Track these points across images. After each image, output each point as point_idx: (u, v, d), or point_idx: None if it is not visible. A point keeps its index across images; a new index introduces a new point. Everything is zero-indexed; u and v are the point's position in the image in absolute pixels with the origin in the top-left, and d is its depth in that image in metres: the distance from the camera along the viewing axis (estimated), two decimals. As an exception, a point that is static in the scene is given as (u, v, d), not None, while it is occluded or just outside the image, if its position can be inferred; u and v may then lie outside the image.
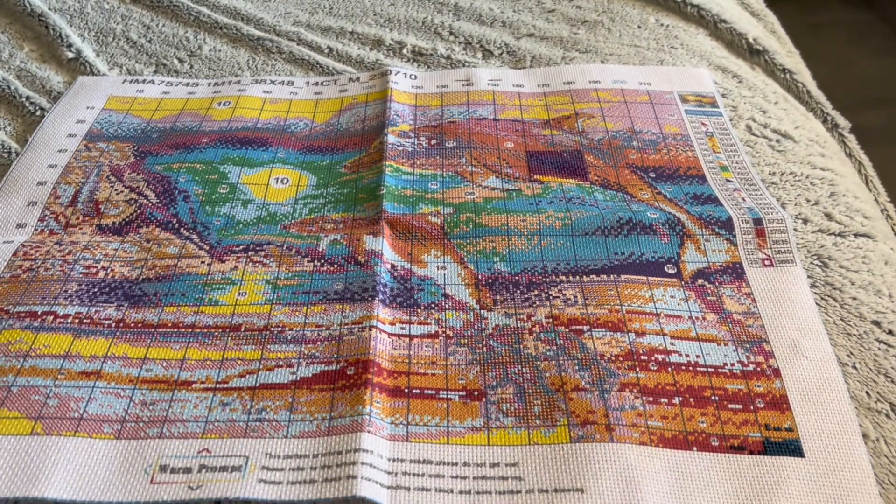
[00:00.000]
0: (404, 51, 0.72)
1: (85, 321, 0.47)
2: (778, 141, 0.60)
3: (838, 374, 0.44)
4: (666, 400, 0.42)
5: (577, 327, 0.46)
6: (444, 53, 0.70)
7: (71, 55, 0.71)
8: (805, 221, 0.53)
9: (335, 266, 0.50)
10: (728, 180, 0.56)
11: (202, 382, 0.43)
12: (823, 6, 2.09)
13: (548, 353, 0.44)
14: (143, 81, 0.69)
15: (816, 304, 0.48)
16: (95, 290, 0.49)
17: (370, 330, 0.45)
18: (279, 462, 0.40)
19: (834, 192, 0.56)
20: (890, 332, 0.47)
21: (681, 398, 0.42)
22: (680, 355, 0.45)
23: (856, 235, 0.53)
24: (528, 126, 0.62)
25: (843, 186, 0.57)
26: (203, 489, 0.39)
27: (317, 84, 0.68)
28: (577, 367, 0.44)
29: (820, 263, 0.50)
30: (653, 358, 0.44)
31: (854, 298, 0.48)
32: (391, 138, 0.60)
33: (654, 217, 0.52)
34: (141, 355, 0.45)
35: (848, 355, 0.45)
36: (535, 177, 0.57)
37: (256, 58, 0.71)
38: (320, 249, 0.51)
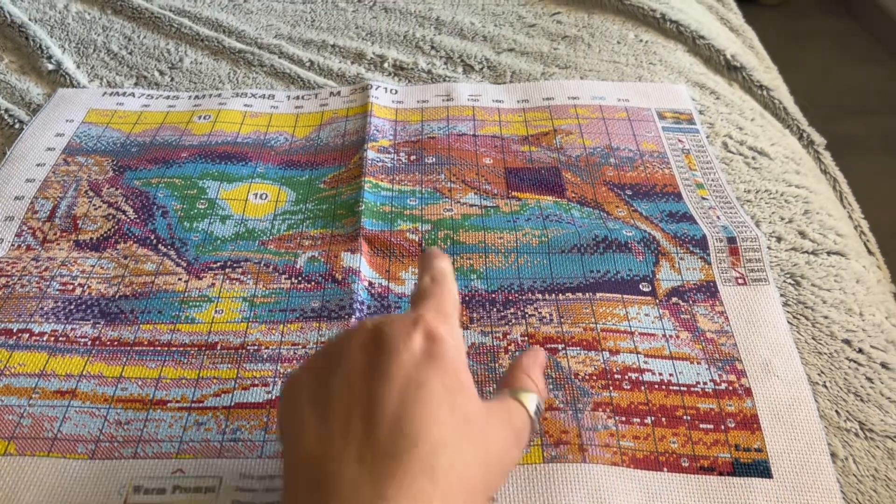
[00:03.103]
0: (385, 65, 0.72)
1: (61, 339, 0.47)
2: (754, 158, 0.61)
3: (809, 393, 0.45)
4: (638, 420, 0.43)
5: (552, 346, 0.46)
6: (425, 68, 0.71)
7: (51, 67, 0.71)
8: (779, 239, 0.54)
9: (312, 283, 0.50)
10: (703, 198, 0.57)
11: (177, 402, 0.43)
12: (805, 14, 2.11)
13: (522, 373, 0.45)
14: (124, 94, 0.68)
15: (788, 322, 0.48)
16: (72, 307, 0.49)
17: (346, 349, 0.46)
18: (253, 483, 0.40)
19: (808, 210, 0.56)
20: (860, 351, 0.47)
21: (653, 418, 0.43)
22: (653, 374, 0.45)
23: (828, 254, 0.53)
24: (507, 142, 0.62)
25: (817, 204, 0.58)
26: (177, 510, 0.39)
27: (297, 98, 0.68)
28: (551, 387, 0.44)
29: (793, 282, 0.51)
30: (626, 377, 0.45)
31: (826, 317, 0.49)
32: (371, 154, 0.60)
33: (629, 235, 0.53)
34: (116, 374, 0.45)
35: (818, 374, 0.46)
36: (513, 193, 0.57)
37: (238, 70, 0.71)
38: (298, 266, 0.51)
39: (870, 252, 0.60)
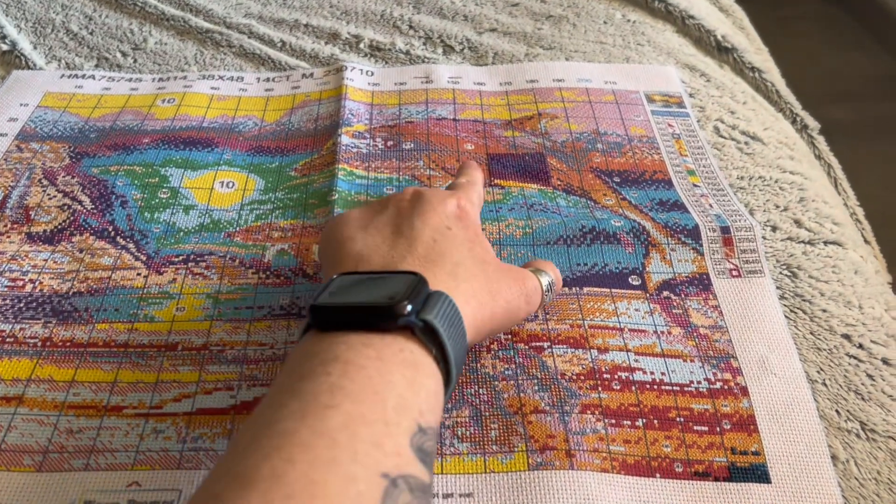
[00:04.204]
0: (361, 45, 0.68)
1: (8, 340, 0.43)
2: (746, 143, 0.58)
3: (808, 392, 0.42)
4: (629, 422, 0.40)
5: (538, 344, 0.43)
6: (402, 48, 0.67)
7: (5, 47, 0.67)
8: (774, 229, 0.51)
9: (281, 278, 0.47)
10: (695, 185, 0.54)
11: (134, 408, 0.40)
12: (790, 0, 2.09)
13: (506, 373, 0.42)
14: (83, 76, 0.65)
15: (786, 316, 0.46)
16: (21, 304, 0.45)
17: (317, 348, 0.42)
18: (216, 495, 0.37)
19: (803, 198, 0.54)
20: (860, 346, 0.45)
21: (644, 420, 0.40)
22: (644, 373, 0.42)
23: (825, 243, 0.51)
24: (490, 127, 0.59)
25: (812, 191, 0.55)
26: (131, 527, 0.36)
27: (268, 80, 0.65)
28: (536, 388, 0.41)
29: (789, 273, 0.48)
30: (616, 376, 0.42)
31: (824, 311, 0.46)
32: (345, 139, 0.57)
33: (618, 225, 0.50)
34: (68, 378, 0.42)
35: (818, 371, 0.43)
36: (495, 181, 0.54)
37: (204, 51, 0.68)
38: (266, 260, 0.48)
39: (865, 241, 0.58)
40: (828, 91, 1.72)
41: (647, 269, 0.48)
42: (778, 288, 0.47)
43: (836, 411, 0.42)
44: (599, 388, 0.41)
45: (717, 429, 0.40)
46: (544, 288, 0.42)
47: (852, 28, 1.97)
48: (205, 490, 0.26)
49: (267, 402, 0.29)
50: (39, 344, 0.43)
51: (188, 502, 0.27)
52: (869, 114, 1.69)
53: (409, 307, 0.31)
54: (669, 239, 0.49)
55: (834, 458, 0.40)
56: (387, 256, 0.37)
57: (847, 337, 0.45)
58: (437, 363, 0.32)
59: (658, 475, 0.38)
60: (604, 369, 0.42)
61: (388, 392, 0.29)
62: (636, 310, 0.46)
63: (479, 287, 0.37)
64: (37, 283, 0.46)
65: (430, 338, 0.32)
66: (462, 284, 0.36)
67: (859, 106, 1.70)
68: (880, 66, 1.85)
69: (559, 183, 0.54)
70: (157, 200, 0.52)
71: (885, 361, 0.44)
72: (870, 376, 0.43)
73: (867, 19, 1.96)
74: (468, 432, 0.40)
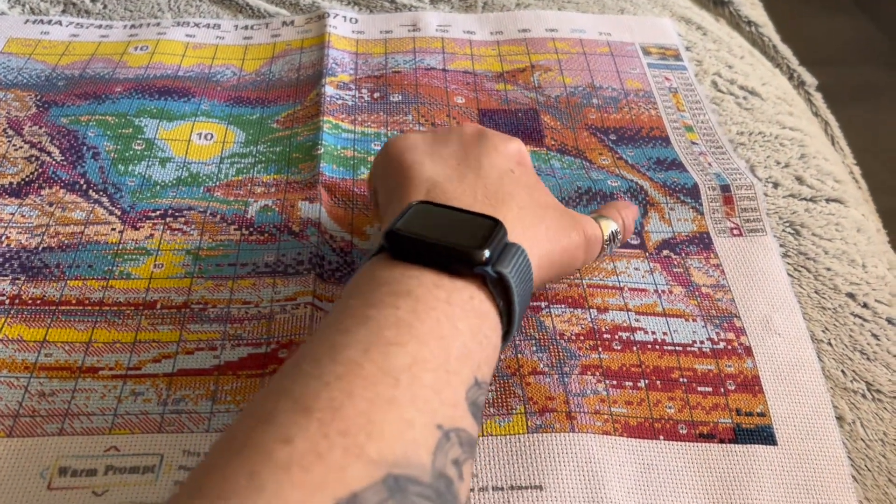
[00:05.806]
0: (344, -7, 0.65)
1: (-27, 298, 0.40)
2: (745, 98, 0.56)
3: (812, 352, 0.41)
4: (631, 383, 0.39)
5: (534, 303, 0.42)
6: (388, -3, 0.64)
7: (-36, -10, 0.62)
8: (776, 185, 0.49)
9: (266, 235, 0.45)
10: (693, 142, 0.52)
11: (111, 369, 0.38)
12: (774, -39, 2.06)
13: (503, 333, 0.40)
14: (49, 22, 0.61)
15: (789, 275, 0.44)
16: (-13, 261, 0.42)
17: (306, 307, 0.40)
18: (199, 461, 0.35)
19: (804, 154, 0.52)
20: (864, 306, 0.44)
21: (647, 381, 0.39)
22: (645, 332, 0.41)
23: (827, 200, 0.49)
24: (480, 79, 0.56)
25: (812, 148, 0.54)
26: (110, 494, 0.34)
27: (246, 28, 0.61)
28: (534, 348, 0.40)
29: (792, 231, 0.47)
30: (616, 336, 0.40)
31: (828, 269, 0.45)
32: (329, 90, 0.54)
33: (614, 185, 0.48)
34: (39, 337, 0.39)
35: (823, 331, 0.42)
36: (487, 136, 0.52)
37: (179, -2, 0.64)
38: (248, 216, 0.46)
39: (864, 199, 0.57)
40: (809, 55, 1.71)
41: (646, 228, 0.46)
42: (781, 246, 0.46)
43: (842, 371, 0.41)
44: (600, 349, 0.40)
45: (722, 389, 0.39)
46: (605, 237, 0.41)
47: (834, -9, 1.96)
48: (258, 406, 0.26)
49: (332, 320, 0.29)
50: (7, 301, 0.40)
51: (239, 416, 0.26)
52: (850, 78, 1.68)
53: (486, 255, 0.31)
54: (668, 198, 0.48)
55: (840, 419, 0.39)
56: (458, 190, 0.36)
57: (852, 296, 0.44)
58: (500, 317, 0.32)
59: (662, 437, 0.37)
60: (604, 329, 0.41)
61: (453, 339, 0.29)
62: (636, 269, 0.44)
63: (542, 234, 0.36)
64: (3, 237, 0.44)
65: (500, 291, 0.32)
66: (528, 230, 0.35)
67: (841, 70, 1.69)
68: (860, 31, 1.84)
69: (553, 143, 0.52)
70: (131, 152, 0.49)
71: (889, 321, 0.43)
72: (875, 336, 0.42)
73: (849, -17, 1.94)
74: (465, 394, 0.38)
